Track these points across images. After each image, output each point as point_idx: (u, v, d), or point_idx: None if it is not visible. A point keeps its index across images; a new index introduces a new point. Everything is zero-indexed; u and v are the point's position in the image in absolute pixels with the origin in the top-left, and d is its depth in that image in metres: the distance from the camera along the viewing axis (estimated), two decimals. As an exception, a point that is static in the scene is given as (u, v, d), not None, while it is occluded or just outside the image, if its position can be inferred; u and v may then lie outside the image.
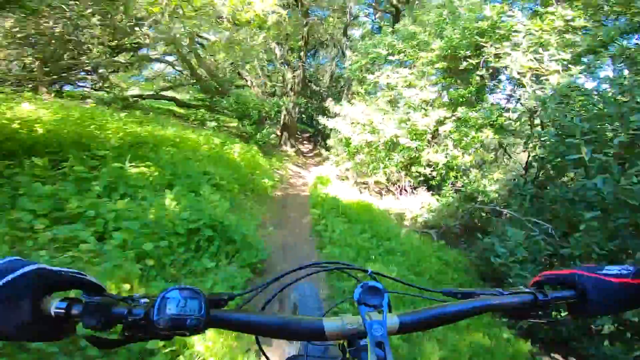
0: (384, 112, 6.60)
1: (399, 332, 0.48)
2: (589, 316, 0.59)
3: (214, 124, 7.98)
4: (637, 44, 4.05)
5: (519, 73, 4.49)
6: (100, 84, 7.87)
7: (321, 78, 13.55)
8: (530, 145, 4.31)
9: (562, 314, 0.57)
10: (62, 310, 0.39)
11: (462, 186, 5.72)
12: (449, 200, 5.59)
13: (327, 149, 9.00)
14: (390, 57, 7.25)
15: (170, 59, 9.15)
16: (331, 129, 7.77)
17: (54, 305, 0.39)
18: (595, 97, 3.27)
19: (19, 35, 5.38)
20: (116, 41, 6.87)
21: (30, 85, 5.72)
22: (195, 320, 0.40)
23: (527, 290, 0.56)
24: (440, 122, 6.03)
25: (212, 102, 8.93)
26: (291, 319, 0.47)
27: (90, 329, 0.39)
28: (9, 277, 0.36)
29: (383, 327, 0.44)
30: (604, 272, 0.54)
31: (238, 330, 0.46)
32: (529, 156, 4.88)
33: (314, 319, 0.47)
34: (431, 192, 6.41)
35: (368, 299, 0.48)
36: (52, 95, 5.75)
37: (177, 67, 9.75)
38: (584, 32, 4.53)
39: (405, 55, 6.96)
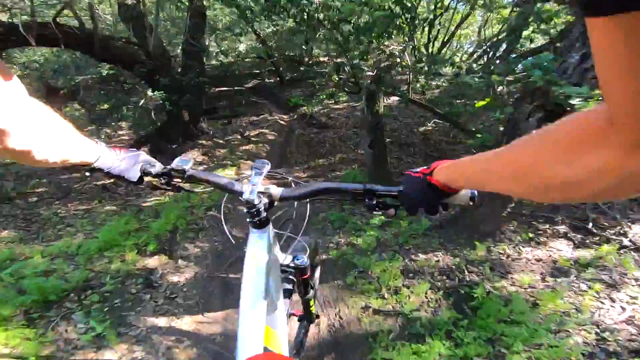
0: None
1: (281, 199, 0.79)
2: (406, 207, 0.66)
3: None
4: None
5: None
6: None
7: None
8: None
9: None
10: (141, 172, 0.79)
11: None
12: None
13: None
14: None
15: None
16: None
17: (140, 169, 0.79)
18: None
19: None
20: None
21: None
22: (183, 170, 0.79)
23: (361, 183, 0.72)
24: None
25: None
26: (226, 181, 0.80)
27: (151, 181, 0.81)
28: (131, 154, 0.79)
29: (256, 185, 0.76)
30: (416, 169, 0.63)
31: (201, 181, 0.82)
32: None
33: (238, 183, 0.80)
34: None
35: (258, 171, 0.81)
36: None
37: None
38: None
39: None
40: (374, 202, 0.69)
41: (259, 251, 0.76)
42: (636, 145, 0.27)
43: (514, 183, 0.42)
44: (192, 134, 5.39)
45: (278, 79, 10.45)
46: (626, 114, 0.26)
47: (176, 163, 0.79)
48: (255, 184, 0.76)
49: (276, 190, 0.78)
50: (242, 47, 11.23)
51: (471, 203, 0.62)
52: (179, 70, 5.23)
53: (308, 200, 0.83)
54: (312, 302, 1.19)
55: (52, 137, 0.54)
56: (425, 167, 0.61)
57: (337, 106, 6.76)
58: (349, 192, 0.72)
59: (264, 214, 0.77)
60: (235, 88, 10.28)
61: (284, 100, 7.70)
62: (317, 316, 1.26)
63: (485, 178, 0.49)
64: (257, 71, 12.09)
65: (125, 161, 0.76)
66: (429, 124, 5.24)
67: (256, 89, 10.39)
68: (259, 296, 0.69)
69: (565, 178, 0.34)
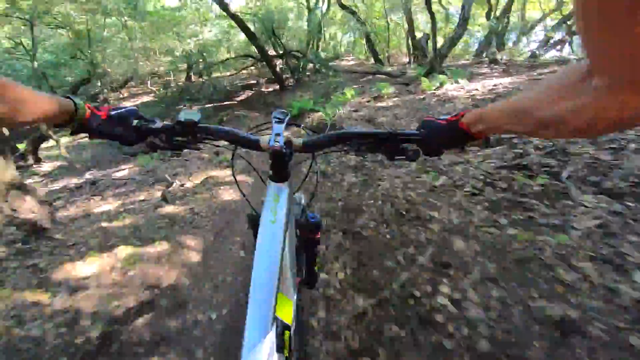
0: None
1: (303, 149, 0.71)
2: (428, 150, 0.66)
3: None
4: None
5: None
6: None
7: None
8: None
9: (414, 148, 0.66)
10: (140, 127, 0.68)
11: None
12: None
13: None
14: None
15: None
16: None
17: (140, 124, 0.69)
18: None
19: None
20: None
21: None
22: (193, 123, 0.67)
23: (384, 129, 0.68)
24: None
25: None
26: (240, 132, 0.71)
27: (152, 140, 0.69)
28: (123, 109, 0.67)
29: (280, 134, 0.70)
30: (441, 117, 0.64)
31: (212, 136, 0.71)
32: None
33: (253, 135, 0.72)
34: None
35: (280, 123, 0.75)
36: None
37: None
38: None
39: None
40: (397, 147, 0.67)
41: (279, 208, 0.66)
42: (606, 90, 0.34)
43: (519, 124, 0.50)
44: None
45: (277, 86, 7.97)
46: (599, 64, 0.34)
47: (183, 116, 0.68)
48: (280, 133, 0.70)
49: (297, 140, 0.71)
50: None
51: (484, 146, 0.74)
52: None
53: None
54: (317, 261, 1.09)
55: (25, 93, 0.51)
56: (449, 115, 0.64)
57: (382, 104, 3.78)
58: (372, 137, 0.67)
59: (287, 166, 0.71)
60: (224, 103, 7.91)
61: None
62: (317, 277, 1.12)
63: (501, 122, 0.54)
64: (254, 82, 9.86)
65: (116, 119, 0.67)
66: None
67: (249, 100, 7.95)
68: (274, 260, 0.61)
69: (553, 117, 0.42)
